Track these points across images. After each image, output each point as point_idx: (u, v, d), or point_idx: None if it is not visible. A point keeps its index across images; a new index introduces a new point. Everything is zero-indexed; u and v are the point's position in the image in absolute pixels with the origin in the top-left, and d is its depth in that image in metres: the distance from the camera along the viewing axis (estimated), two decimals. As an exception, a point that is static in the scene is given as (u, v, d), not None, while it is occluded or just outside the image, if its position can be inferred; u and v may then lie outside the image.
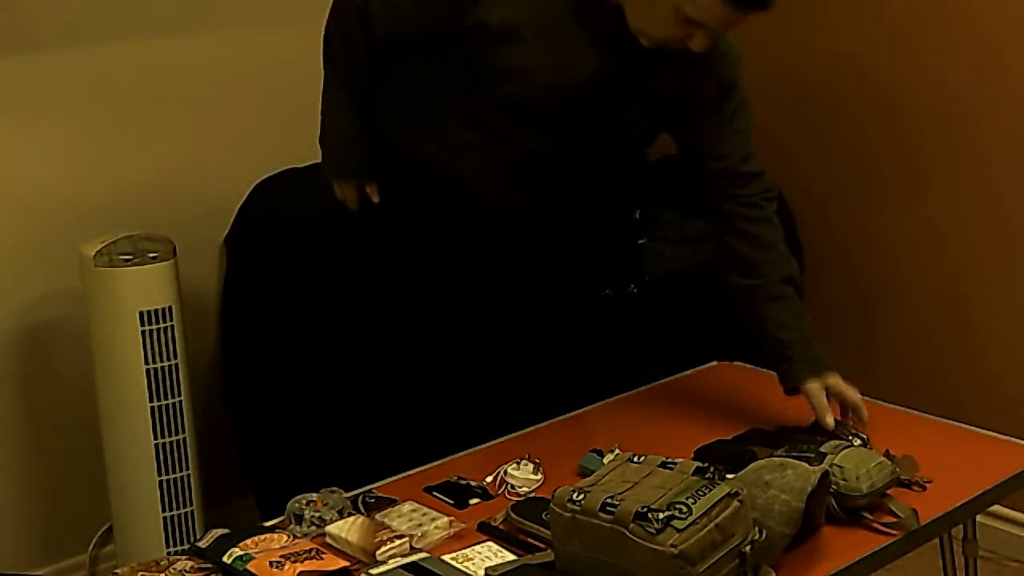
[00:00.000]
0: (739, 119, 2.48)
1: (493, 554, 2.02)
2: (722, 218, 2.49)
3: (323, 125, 2.63)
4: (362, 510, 2.14)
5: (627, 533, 1.78)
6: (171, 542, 3.08)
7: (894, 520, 2.06)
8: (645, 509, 1.78)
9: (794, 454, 2.09)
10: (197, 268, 3.31)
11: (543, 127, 2.40)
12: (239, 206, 3.35)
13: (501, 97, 2.38)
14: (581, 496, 1.85)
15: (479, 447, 2.41)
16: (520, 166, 2.45)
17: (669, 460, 1.91)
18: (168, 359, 3.02)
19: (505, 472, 2.26)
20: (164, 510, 3.07)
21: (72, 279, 3.05)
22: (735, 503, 1.83)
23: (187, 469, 3.09)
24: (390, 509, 2.14)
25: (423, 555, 2.00)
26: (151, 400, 3.01)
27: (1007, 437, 2.41)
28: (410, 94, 2.52)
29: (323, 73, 2.59)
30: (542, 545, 2.01)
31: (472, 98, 2.42)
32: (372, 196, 2.57)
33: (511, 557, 2.00)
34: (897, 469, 2.12)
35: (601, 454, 2.27)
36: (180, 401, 3.05)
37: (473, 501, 2.20)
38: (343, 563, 1.98)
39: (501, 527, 2.10)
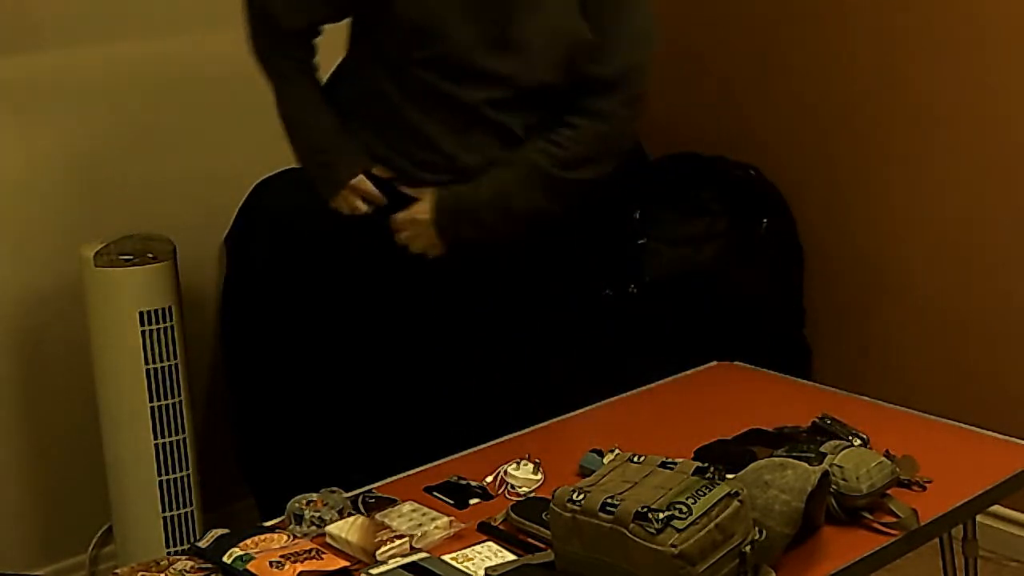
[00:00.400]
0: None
1: (493, 554, 2.02)
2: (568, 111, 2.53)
3: (296, 142, 2.62)
4: (362, 510, 2.14)
5: (627, 533, 1.78)
6: (171, 542, 3.08)
7: (894, 520, 2.06)
8: (645, 509, 1.78)
9: (794, 454, 2.09)
10: (197, 268, 3.31)
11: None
12: (239, 206, 3.35)
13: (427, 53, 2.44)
14: (581, 496, 1.85)
15: (479, 447, 2.41)
16: (475, 116, 2.48)
17: (669, 460, 1.91)
18: (168, 359, 3.02)
19: (505, 472, 2.25)
20: (164, 510, 3.08)
21: (72, 279, 3.05)
22: (735, 503, 1.83)
23: (187, 469, 3.09)
24: (390, 509, 2.14)
25: (423, 555, 2.00)
26: (151, 400, 3.01)
27: (1007, 437, 2.41)
28: (355, 87, 2.58)
29: (272, 89, 2.61)
30: (542, 545, 2.01)
31: (406, 66, 2.48)
32: (382, 174, 2.57)
33: (511, 557, 2.00)
34: (897, 469, 2.12)
35: (601, 454, 2.27)
36: (180, 401, 3.06)
37: (473, 501, 2.20)
38: (343, 563, 1.98)
39: (501, 527, 2.10)
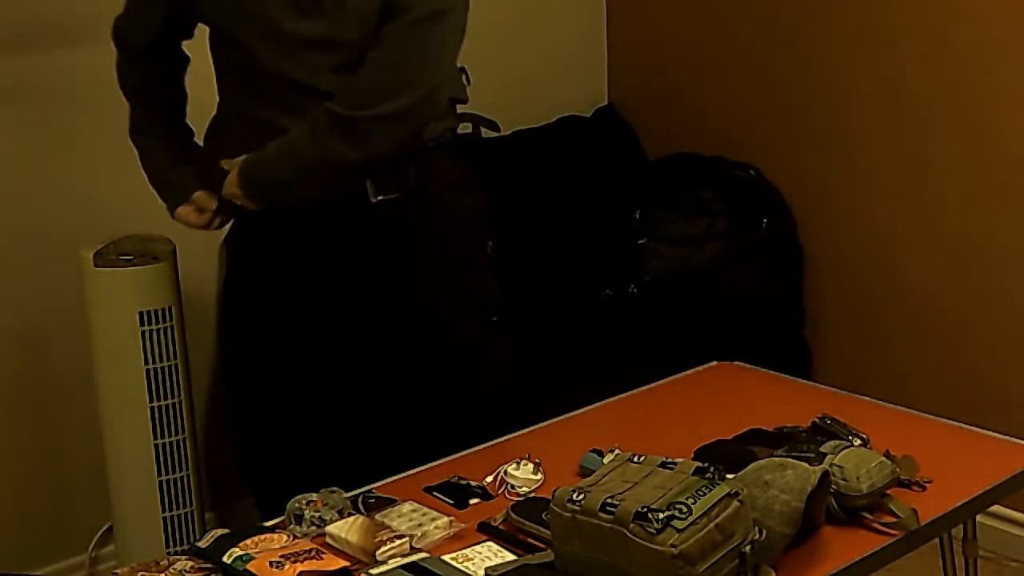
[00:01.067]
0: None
1: (493, 554, 2.02)
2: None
3: (142, 163, 2.76)
4: (362, 510, 2.14)
5: (627, 533, 1.78)
6: (171, 542, 3.08)
7: (894, 520, 2.06)
8: (645, 509, 1.78)
9: (794, 454, 2.09)
10: (197, 268, 3.31)
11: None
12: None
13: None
14: (581, 496, 1.85)
15: (479, 447, 2.41)
16: (307, 89, 2.45)
17: (669, 460, 1.91)
18: (168, 359, 3.02)
19: (505, 472, 2.25)
20: (164, 510, 3.08)
21: (72, 279, 3.05)
22: (735, 503, 1.83)
23: (187, 469, 3.09)
24: (390, 509, 2.14)
25: (423, 555, 2.00)
26: (151, 400, 3.02)
27: (1007, 437, 2.41)
28: (221, 106, 2.64)
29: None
30: (542, 545, 2.01)
31: (233, 62, 2.54)
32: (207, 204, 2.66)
33: (511, 557, 2.00)
34: (897, 469, 2.12)
35: (601, 454, 2.27)
36: (180, 401, 3.06)
37: (473, 501, 2.20)
38: (343, 563, 1.98)
39: (501, 527, 2.10)
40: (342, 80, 2.41)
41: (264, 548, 1.99)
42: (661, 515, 1.78)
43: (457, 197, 2.67)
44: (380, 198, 2.52)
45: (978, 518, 2.40)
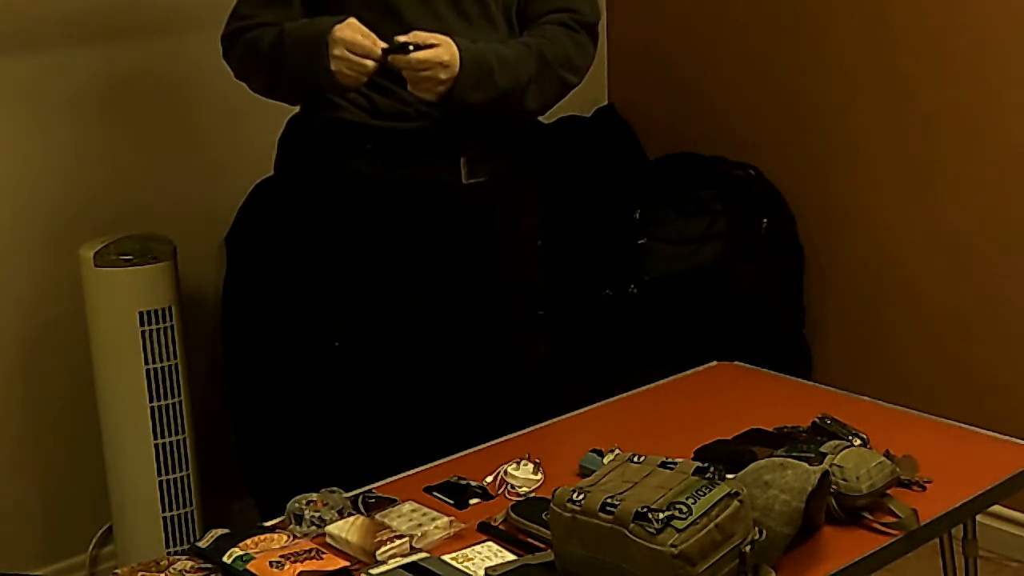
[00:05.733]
0: None
1: (493, 554, 2.02)
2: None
3: (283, 59, 2.49)
4: (362, 510, 2.14)
5: (627, 533, 1.78)
6: (171, 542, 3.08)
7: (894, 520, 2.06)
8: (645, 509, 1.78)
9: (794, 454, 2.09)
10: (197, 268, 3.32)
11: None
12: (239, 206, 3.35)
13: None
14: (581, 496, 1.85)
15: (479, 447, 2.41)
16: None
17: (669, 460, 1.91)
18: (168, 359, 3.02)
19: (505, 472, 2.26)
20: (164, 510, 3.08)
21: (72, 279, 3.05)
22: (735, 503, 1.83)
23: (187, 469, 3.09)
24: (390, 509, 2.14)
25: (423, 555, 2.00)
26: (151, 400, 3.02)
27: (1007, 437, 2.41)
28: None
29: (256, 83, 2.60)
30: (542, 545, 2.01)
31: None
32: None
33: (511, 557, 2.00)
34: (897, 469, 2.12)
35: (601, 454, 2.27)
36: (180, 401, 3.06)
37: (473, 501, 2.20)
38: (343, 563, 1.98)
39: (501, 527, 2.10)
40: (543, 34, 2.58)
41: (264, 548, 1.99)
42: (661, 515, 1.78)
43: (532, 186, 2.73)
44: (471, 181, 2.56)
45: (978, 518, 2.40)
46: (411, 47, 2.39)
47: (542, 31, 2.58)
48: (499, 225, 2.66)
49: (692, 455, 2.22)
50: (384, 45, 2.39)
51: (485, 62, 2.46)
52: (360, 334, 2.64)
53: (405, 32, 2.41)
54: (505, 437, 2.45)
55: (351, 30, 2.39)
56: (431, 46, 2.40)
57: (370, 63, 2.39)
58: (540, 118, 2.79)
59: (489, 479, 2.26)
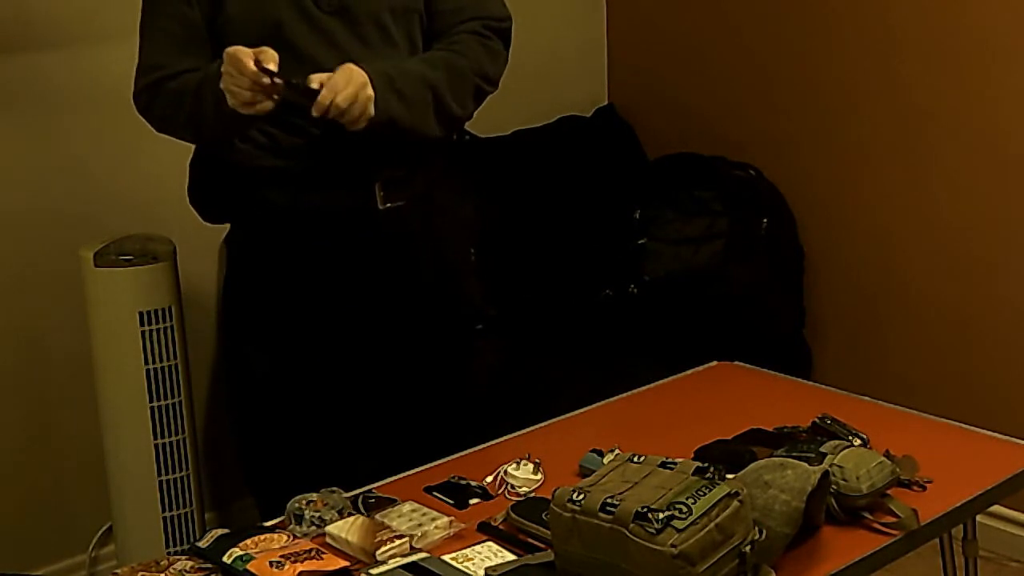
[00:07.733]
0: None
1: (493, 554, 2.02)
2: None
3: (191, 112, 2.47)
4: (362, 510, 2.14)
5: (627, 533, 1.78)
6: (171, 542, 3.08)
7: (894, 520, 2.06)
8: (645, 509, 1.78)
9: (794, 454, 2.09)
10: (197, 268, 3.31)
11: None
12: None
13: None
14: (581, 496, 1.85)
15: (479, 447, 2.41)
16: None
17: (669, 460, 1.91)
18: (168, 359, 3.02)
19: (505, 472, 2.26)
20: (164, 510, 3.08)
21: (72, 279, 3.05)
22: (735, 503, 1.83)
23: (187, 469, 3.09)
24: (390, 509, 2.14)
25: (423, 555, 2.00)
26: (151, 400, 3.02)
27: (1007, 437, 2.41)
28: None
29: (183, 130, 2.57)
30: (542, 545, 2.01)
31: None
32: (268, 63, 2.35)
33: (511, 557, 2.00)
34: (897, 469, 2.12)
35: (601, 454, 2.27)
36: (180, 401, 3.06)
37: (473, 501, 2.20)
38: (343, 563, 1.98)
39: (501, 527, 2.10)
40: (454, 47, 2.52)
41: (264, 548, 1.99)
42: (661, 515, 1.78)
43: (455, 204, 2.69)
44: (388, 205, 2.53)
45: (978, 518, 2.40)
46: (318, 85, 2.31)
47: (450, 42, 2.53)
48: (422, 246, 2.60)
49: (692, 455, 2.22)
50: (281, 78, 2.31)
51: (387, 75, 2.41)
52: (281, 367, 2.64)
53: (304, 64, 2.37)
54: (505, 437, 2.45)
55: (233, 48, 2.32)
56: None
57: (252, 68, 2.28)
58: (541, 121, 2.78)
59: (489, 479, 2.26)
